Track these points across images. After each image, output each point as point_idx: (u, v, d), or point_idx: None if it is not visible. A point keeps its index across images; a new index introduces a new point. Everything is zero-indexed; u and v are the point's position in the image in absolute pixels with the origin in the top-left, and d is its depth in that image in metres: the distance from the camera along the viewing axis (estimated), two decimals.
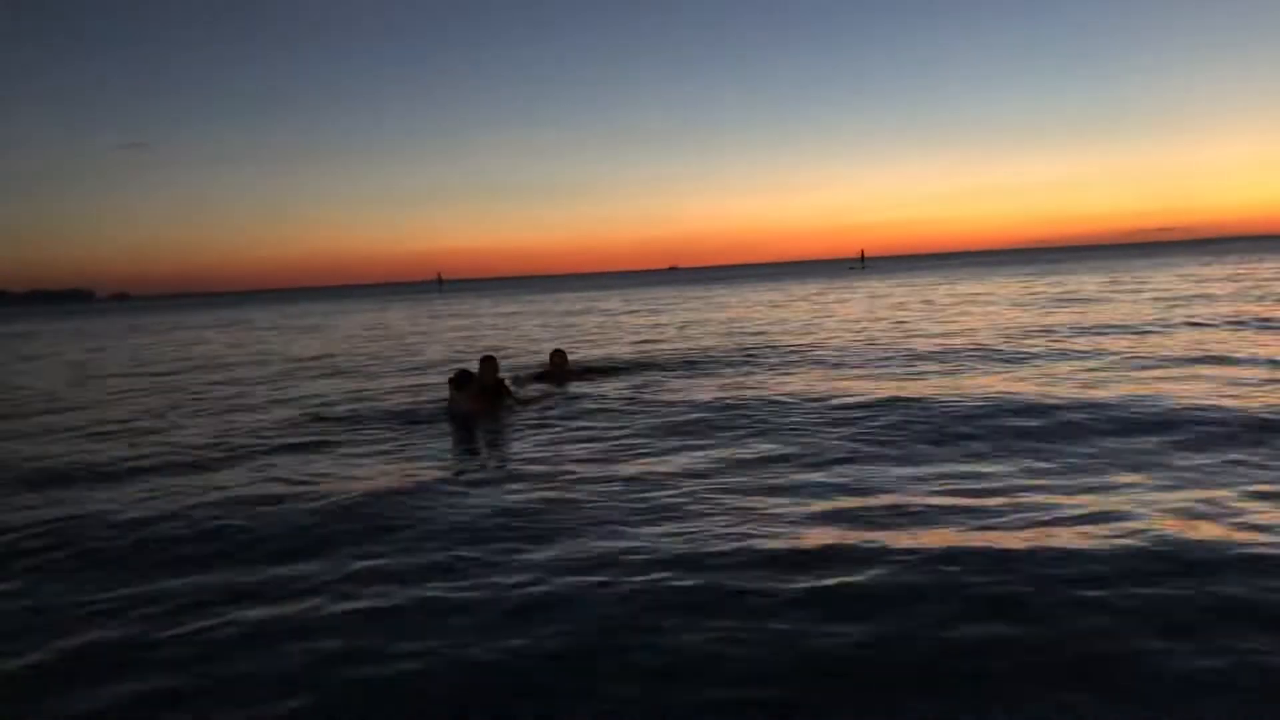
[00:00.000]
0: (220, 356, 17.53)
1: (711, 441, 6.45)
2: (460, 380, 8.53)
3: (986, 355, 10.74)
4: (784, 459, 5.79)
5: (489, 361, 9.12)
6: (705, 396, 8.52)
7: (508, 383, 9.16)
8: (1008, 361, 10.12)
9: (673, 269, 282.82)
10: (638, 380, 10.24)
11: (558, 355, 10.83)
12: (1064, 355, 10.40)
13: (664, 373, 10.96)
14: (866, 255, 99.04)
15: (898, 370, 9.86)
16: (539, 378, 10.25)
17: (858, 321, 17.49)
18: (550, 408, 8.41)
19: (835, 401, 7.80)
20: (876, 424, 6.73)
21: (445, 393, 8.99)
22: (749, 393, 8.62)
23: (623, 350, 14.00)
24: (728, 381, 9.56)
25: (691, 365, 11.44)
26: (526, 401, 8.77)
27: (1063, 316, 16.01)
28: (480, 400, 8.47)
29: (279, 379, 12.26)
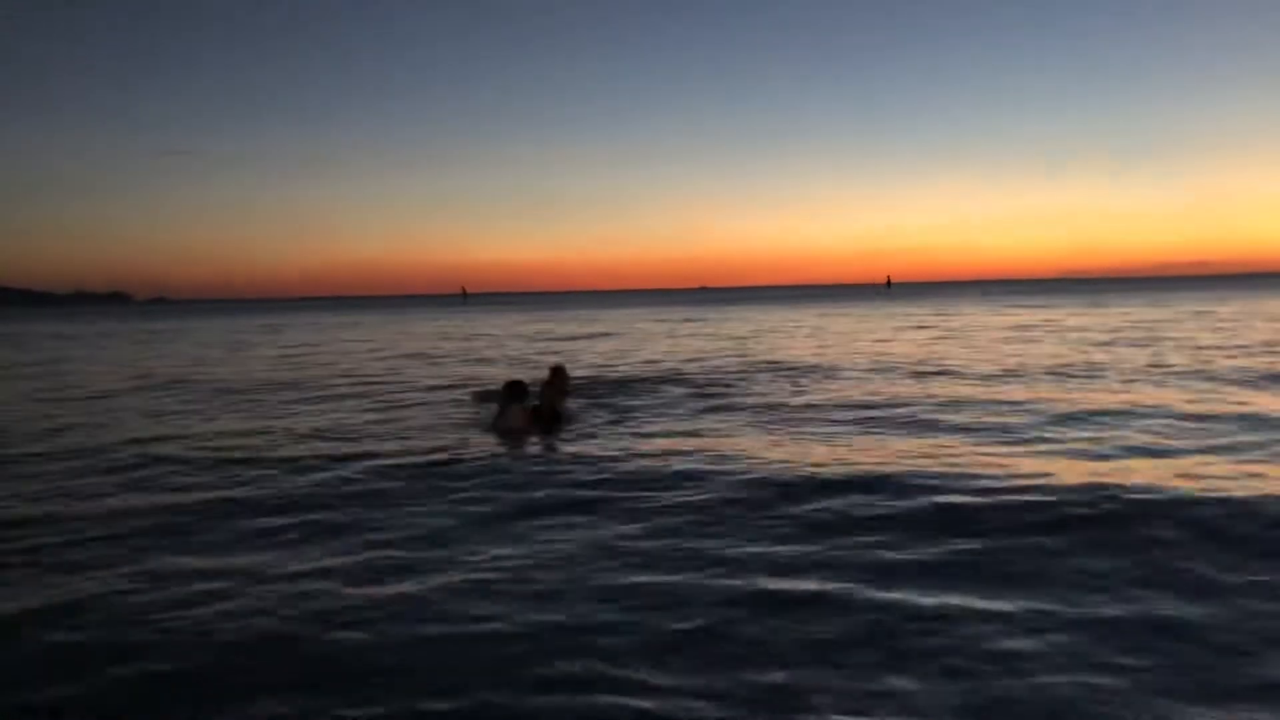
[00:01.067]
0: (234, 377, 17.30)
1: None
2: (515, 392, 8.08)
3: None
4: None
5: (555, 387, 9.19)
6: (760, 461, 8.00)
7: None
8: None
9: (703, 288, 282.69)
10: (652, 399, 10.00)
11: (557, 372, 10.20)
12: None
13: (687, 391, 10.74)
14: (893, 280, 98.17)
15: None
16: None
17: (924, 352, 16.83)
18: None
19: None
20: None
21: (465, 415, 8.64)
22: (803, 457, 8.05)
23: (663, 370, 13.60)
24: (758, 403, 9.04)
25: (721, 387, 11.02)
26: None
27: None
28: (531, 420, 8.07)
29: (304, 399, 11.92)
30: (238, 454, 7.30)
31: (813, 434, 7.79)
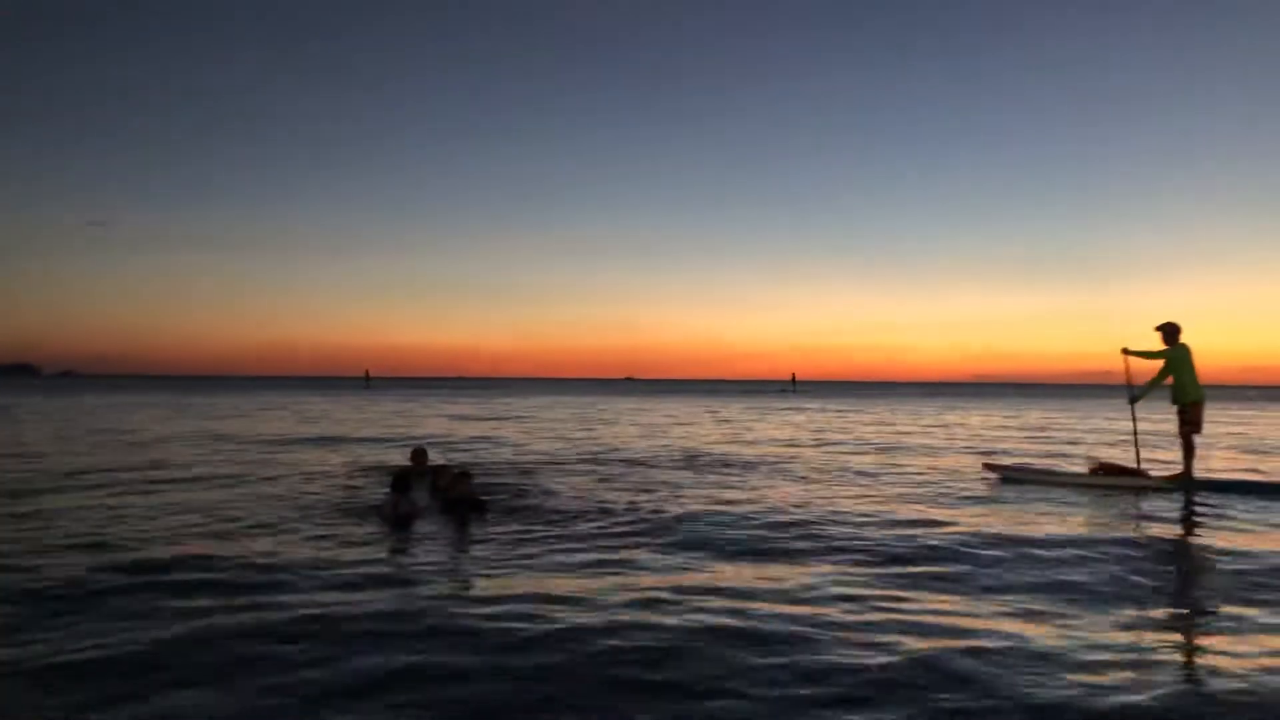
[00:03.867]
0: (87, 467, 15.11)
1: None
2: (402, 482, 7.97)
3: None
4: None
5: (462, 477, 8.67)
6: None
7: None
8: None
9: (629, 379, 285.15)
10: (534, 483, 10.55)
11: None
12: None
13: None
14: (798, 378, 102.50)
15: None
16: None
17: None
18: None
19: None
20: None
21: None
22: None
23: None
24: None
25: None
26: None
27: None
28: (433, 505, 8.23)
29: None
30: None
31: None
